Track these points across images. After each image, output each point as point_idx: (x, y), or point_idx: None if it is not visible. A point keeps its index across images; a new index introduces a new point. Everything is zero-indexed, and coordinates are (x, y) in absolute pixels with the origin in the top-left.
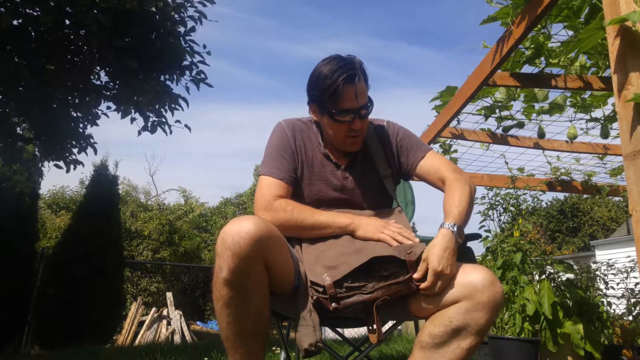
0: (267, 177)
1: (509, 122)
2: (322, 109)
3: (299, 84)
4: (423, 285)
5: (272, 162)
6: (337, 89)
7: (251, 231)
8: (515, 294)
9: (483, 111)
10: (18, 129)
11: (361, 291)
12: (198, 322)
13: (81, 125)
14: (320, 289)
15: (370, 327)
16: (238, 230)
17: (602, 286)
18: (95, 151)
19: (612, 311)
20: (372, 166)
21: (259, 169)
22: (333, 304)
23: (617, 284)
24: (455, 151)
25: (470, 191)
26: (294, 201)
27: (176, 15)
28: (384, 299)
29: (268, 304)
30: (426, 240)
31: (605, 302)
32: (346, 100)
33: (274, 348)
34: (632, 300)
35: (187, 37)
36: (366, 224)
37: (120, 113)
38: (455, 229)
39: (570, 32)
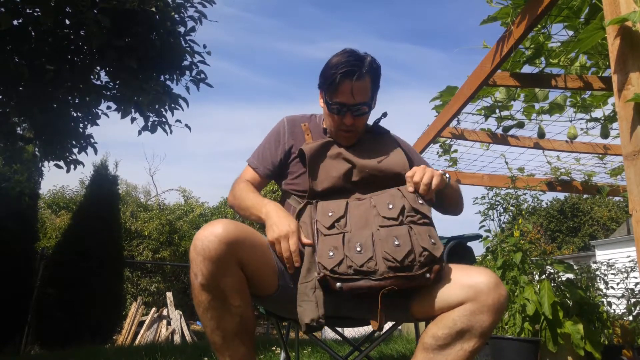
0: (247, 164)
1: (509, 122)
2: (323, 97)
3: (303, 84)
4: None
5: (257, 152)
6: (334, 80)
7: (220, 234)
8: (516, 294)
9: (483, 111)
10: (18, 129)
11: (369, 277)
12: (198, 322)
13: (81, 125)
14: (328, 268)
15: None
16: (207, 235)
17: (602, 286)
18: (96, 151)
19: (612, 311)
20: None
21: None
22: (338, 284)
23: (617, 284)
24: (456, 151)
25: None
26: (249, 184)
27: (176, 15)
28: (390, 288)
29: (250, 304)
30: None
31: (605, 302)
32: (341, 93)
33: (274, 348)
34: (632, 300)
35: (187, 37)
36: (275, 224)
37: (120, 113)
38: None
39: (570, 32)
